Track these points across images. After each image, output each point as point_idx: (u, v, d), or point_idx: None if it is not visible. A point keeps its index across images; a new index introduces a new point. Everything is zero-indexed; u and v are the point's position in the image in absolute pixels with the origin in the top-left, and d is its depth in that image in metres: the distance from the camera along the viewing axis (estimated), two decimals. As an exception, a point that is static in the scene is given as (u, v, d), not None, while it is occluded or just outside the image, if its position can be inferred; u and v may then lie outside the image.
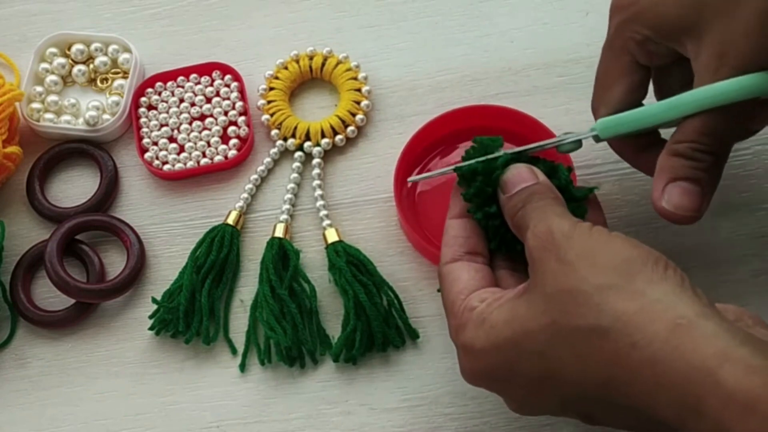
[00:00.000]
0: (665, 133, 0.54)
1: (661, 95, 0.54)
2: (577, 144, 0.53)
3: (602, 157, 0.61)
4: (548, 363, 0.44)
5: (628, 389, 0.41)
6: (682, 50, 0.50)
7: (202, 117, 0.65)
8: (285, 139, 0.64)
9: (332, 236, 0.60)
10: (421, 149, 0.62)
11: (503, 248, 0.51)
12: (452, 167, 0.53)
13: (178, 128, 0.65)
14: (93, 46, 0.67)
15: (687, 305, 0.41)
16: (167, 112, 0.65)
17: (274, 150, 0.64)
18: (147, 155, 0.64)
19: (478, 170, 0.51)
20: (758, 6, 0.47)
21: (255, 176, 0.64)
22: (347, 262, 0.59)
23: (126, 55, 0.67)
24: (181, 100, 0.66)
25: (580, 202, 0.51)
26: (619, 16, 0.52)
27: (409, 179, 0.59)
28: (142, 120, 0.65)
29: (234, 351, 0.59)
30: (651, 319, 0.41)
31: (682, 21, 0.49)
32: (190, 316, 0.59)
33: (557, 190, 0.50)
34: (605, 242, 0.44)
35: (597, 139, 0.52)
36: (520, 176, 0.50)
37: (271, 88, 0.66)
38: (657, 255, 0.44)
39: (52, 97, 0.66)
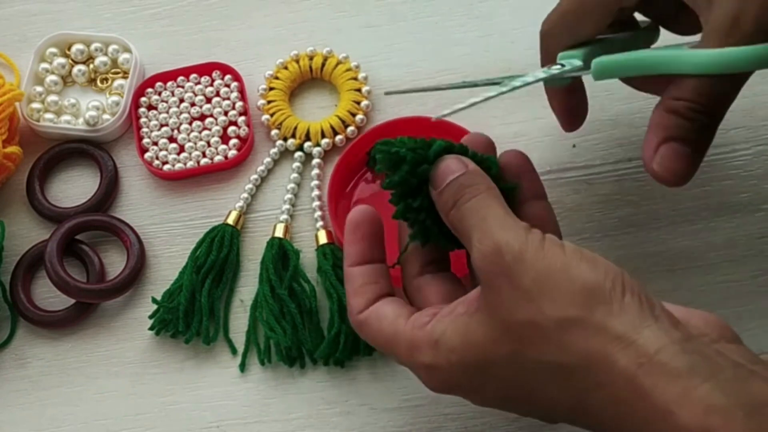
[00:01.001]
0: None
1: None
2: (568, 80, 0.52)
3: (602, 157, 0.61)
4: (516, 389, 0.44)
5: (596, 420, 0.41)
6: (690, 3, 0.48)
7: (202, 117, 0.65)
8: (285, 139, 0.64)
9: (322, 238, 0.60)
10: (357, 162, 0.62)
11: (429, 241, 0.49)
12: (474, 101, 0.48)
13: (178, 128, 0.65)
14: (93, 46, 0.67)
15: (648, 339, 0.40)
16: (167, 112, 0.65)
17: (274, 150, 0.64)
18: (147, 155, 0.64)
19: (406, 158, 0.47)
20: None
21: (255, 176, 0.64)
22: (334, 265, 0.59)
23: (126, 55, 0.67)
24: (181, 100, 0.66)
25: (507, 196, 0.48)
26: None
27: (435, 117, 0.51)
28: (142, 120, 0.65)
29: (234, 351, 0.59)
30: (613, 359, 0.40)
31: None
32: (190, 316, 0.59)
33: (488, 177, 0.47)
34: (560, 264, 0.42)
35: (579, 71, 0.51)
36: (448, 168, 0.47)
37: (271, 88, 0.66)
38: (613, 275, 0.42)
39: (52, 97, 0.66)
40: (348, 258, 0.50)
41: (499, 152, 0.53)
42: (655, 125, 0.47)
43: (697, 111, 0.47)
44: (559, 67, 0.51)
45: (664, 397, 0.39)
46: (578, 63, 0.50)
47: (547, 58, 0.53)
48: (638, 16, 0.55)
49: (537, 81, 0.50)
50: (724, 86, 0.47)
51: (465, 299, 0.46)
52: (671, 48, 0.48)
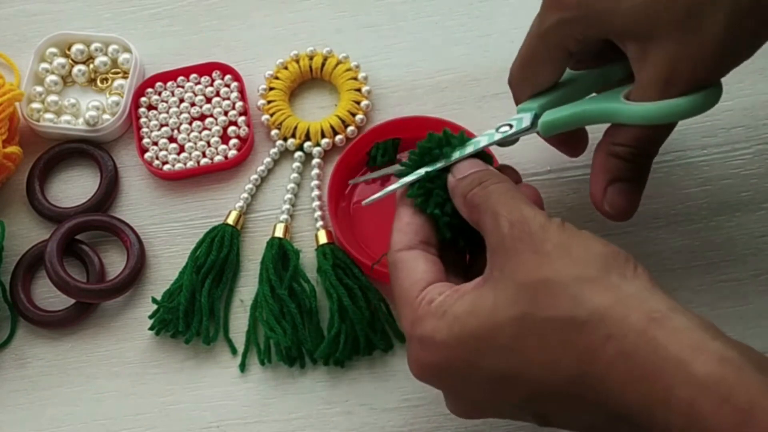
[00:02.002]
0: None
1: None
2: (517, 140, 0.54)
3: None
4: (515, 358, 0.43)
5: (599, 384, 0.41)
6: (621, 47, 0.50)
7: (202, 117, 0.65)
8: (285, 139, 0.64)
9: (322, 238, 0.60)
10: (357, 162, 0.62)
11: (427, 206, 0.50)
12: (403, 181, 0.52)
13: (178, 128, 0.65)
14: (93, 46, 0.67)
15: (659, 300, 0.42)
16: (167, 112, 0.65)
17: (274, 150, 0.64)
18: (147, 155, 0.64)
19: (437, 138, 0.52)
20: (714, 31, 0.47)
21: (255, 176, 0.64)
22: (334, 265, 0.59)
23: (126, 55, 0.67)
24: (181, 100, 0.66)
25: None
26: (560, 14, 0.51)
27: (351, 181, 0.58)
28: (142, 120, 0.65)
29: (234, 351, 0.59)
30: (626, 312, 0.41)
31: (631, 31, 0.49)
32: (190, 316, 0.59)
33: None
34: (579, 238, 0.45)
35: (537, 132, 0.53)
36: (470, 163, 0.51)
37: (271, 88, 0.66)
38: (626, 253, 0.44)
39: (52, 97, 0.66)
40: (401, 197, 0.52)
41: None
42: (599, 169, 0.52)
43: (638, 155, 0.51)
44: (506, 128, 0.53)
45: (677, 347, 0.39)
46: (526, 124, 0.53)
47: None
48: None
49: (486, 146, 0.53)
50: (659, 131, 0.52)
51: (475, 281, 0.46)
52: (608, 98, 0.51)
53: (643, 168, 0.52)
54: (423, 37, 0.67)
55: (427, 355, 0.46)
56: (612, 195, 0.51)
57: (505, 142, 0.54)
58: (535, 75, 0.54)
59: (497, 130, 0.53)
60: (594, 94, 0.54)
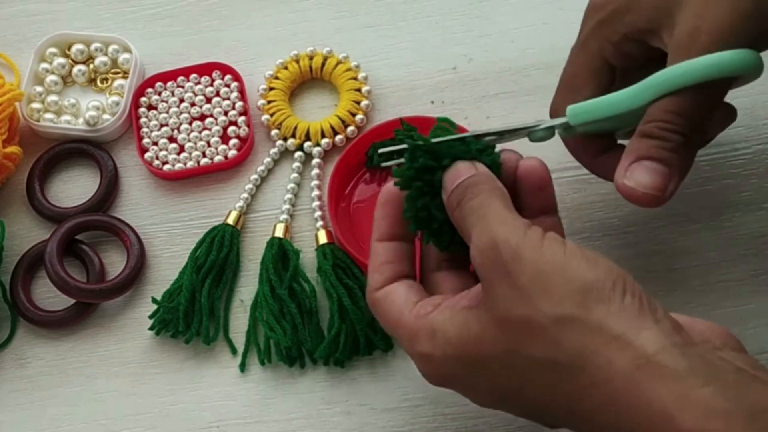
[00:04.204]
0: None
1: None
2: (550, 132, 0.52)
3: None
4: (508, 384, 0.43)
5: (591, 423, 0.41)
6: (659, 44, 0.49)
7: (202, 117, 0.65)
8: (285, 139, 0.64)
9: (322, 238, 0.60)
10: (357, 162, 0.62)
11: (427, 231, 0.49)
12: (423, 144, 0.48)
13: (178, 128, 0.65)
14: (93, 46, 0.67)
15: (647, 340, 0.39)
16: (167, 112, 0.65)
17: (274, 150, 0.64)
18: (147, 155, 0.64)
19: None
20: None
21: (255, 176, 0.64)
22: (334, 265, 0.59)
23: (126, 55, 0.67)
24: (181, 100, 0.66)
25: None
26: (596, 17, 0.51)
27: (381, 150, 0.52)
28: (142, 120, 0.65)
29: (234, 351, 0.59)
30: (610, 359, 0.39)
31: (659, 11, 0.48)
32: (190, 316, 0.59)
33: (497, 179, 0.47)
34: (560, 262, 0.42)
35: (566, 127, 0.51)
36: (458, 173, 0.47)
37: (271, 88, 0.66)
38: (615, 276, 0.41)
39: (52, 97, 0.66)
40: (376, 231, 0.50)
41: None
42: (626, 152, 0.48)
43: (667, 130, 0.47)
44: (538, 121, 0.52)
45: (663, 399, 0.38)
46: (552, 124, 0.51)
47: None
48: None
49: (517, 129, 0.51)
50: (693, 101, 0.47)
51: (468, 293, 0.46)
52: (634, 85, 0.49)
53: (677, 148, 0.47)
54: (423, 37, 0.67)
55: (432, 369, 0.46)
56: (635, 170, 0.47)
57: (535, 132, 0.51)
58: (577, 92, 0.52)
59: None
60: None
